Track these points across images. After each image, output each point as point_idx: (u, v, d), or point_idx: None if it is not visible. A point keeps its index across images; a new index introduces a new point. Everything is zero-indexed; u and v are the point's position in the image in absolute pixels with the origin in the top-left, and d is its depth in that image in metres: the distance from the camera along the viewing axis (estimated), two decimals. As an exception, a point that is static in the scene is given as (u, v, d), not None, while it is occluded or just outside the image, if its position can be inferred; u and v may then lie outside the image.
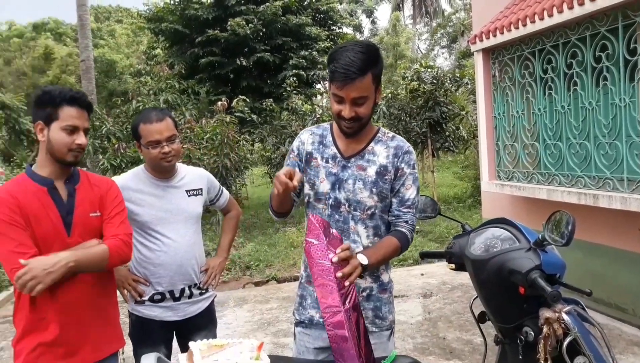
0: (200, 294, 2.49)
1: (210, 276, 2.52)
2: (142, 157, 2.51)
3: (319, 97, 16.53)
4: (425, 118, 10.94)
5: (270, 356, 1.52)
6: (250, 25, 14.46)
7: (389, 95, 11.95)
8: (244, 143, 10.01)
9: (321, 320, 1.95)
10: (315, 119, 10.65)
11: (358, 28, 35.38)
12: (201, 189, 2.53)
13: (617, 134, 4.03)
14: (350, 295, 1.62)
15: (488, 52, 5.42)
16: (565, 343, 1.53)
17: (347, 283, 1.58)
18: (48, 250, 1.86)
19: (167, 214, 2.37)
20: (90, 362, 1.99)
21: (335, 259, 1.56)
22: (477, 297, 1.92)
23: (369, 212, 1.92)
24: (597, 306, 4.56)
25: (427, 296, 5.54)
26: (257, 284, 6.67)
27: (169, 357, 2.45)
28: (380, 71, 1.85)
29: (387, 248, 1.85)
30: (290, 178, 1.71)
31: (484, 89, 5.49)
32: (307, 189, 2.01)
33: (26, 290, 1.72)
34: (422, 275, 6.39)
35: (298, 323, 2.05)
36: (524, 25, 4.66)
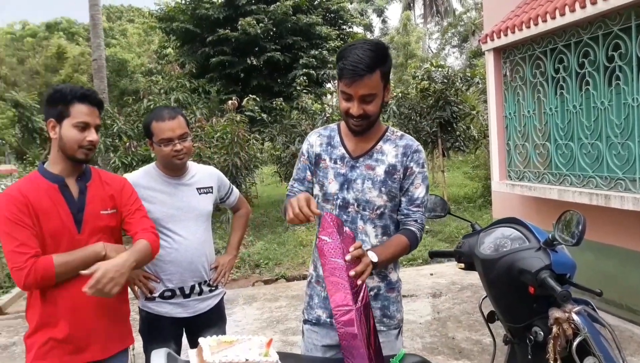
0: (210, 291, 2.50)
1: (220, 273, 2.54)
2: (153, 155, 2.52)
3: (329, 96, 16.53)
4: (436, 118, 10.89)
5: (278, 353, 1.52)
6: (260, 24, 14.51)
7: (400, 94, 11.92)
8: (254, 141, 10.03)
9: (328, 320, 1.95)
10: (325, 118, 10.65)
11: (368, 27, 35.31)
12: (212, 187, 2.54)
13: (630, 134, 3.99)
14: (361, 294, 1.62)
15: (499, 51, 5.40)
16: (575, 343, 1.53)
17: (359, 282, 1.59)
18: (57, 246, 1.88)
19: (178, 212, 2.39)
20: (100, 358, 2.01)
21: (348, 257, 1.56)
22: (486, 297, 1.91)
23: (378, 212, 1.92)
24: (608, 308, 4.52)
25: (436, 296, 5.52)
26: (266, 282, 6.69)
27: (178, 353, 2.46)
28: (389, 69, 1.85)
29: (397, 247, 1.85)
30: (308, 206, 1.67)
31: (495, 89, 5.46)
32: (316, 190, 2.01)
33: (102, 294, 1.76)
34: (432, 274, 6.37)
35: (306, 321, 2.06)
36: (536, 24, 4.63)
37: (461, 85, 11.67)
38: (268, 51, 14.94)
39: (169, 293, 2.40)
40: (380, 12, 38.21)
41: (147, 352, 2.37)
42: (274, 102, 12.51)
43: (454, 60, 35.43)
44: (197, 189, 2.48)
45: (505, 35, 5.05)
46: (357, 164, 1.94)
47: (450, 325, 4.65)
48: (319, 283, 2.00)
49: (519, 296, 1.70)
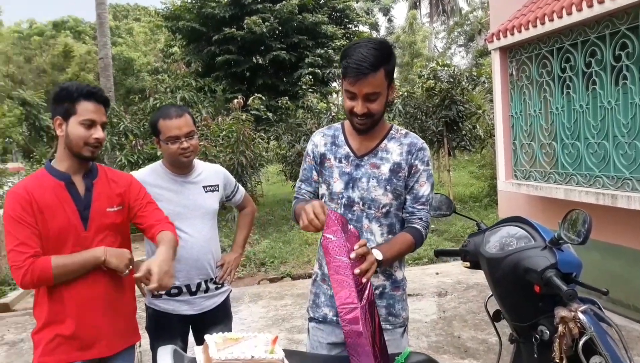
0: (216, 288, 2.51)
1: (226, 271, 2.55)
2: (159, 154, 2.54)
3: (334, 95, 16.55)
4: (442, 117, 10.87)
5: (284, 350, 1.53)
6: (266, 23, 14.52)
7: (405, 94, 11.91)
8: (260, 140, 10.06)
9: (335, 318, 1.96)
10: (331, 117, 10.66)
11: (374, 26, 35.30)
12: (218, 186, 2.55)
13: (637, 133, 3.97)
14: (366, 292, 1.62)
15: (505, 50, 5.38)
16: (581, 342, 1.52)
17: (364, 280, 1.59)
18: (63, 243, 1.90)
19: (184, 210, 2.40)
20: (107, 355, 2.02)
21: (353, 255, 1.56)
22: (492, 296, 1.91)
23: (383, 210, 1.93)
24: (614, 308, 4.50)
25: (442, 295, 5.52)
26: (271, 280, 6.70)
27: (184, 350, 2.47)
28: (393, 67, 1.85)
29: (402, 244, 1.85)
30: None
31: (501, 88, 5.45)
32: (322, 189, 2.02)
33: (162, 288, 1.82)
34: (437, 274, 6.37)
35: (312, 319, 2.06)
36: (542, 23, 4.61)
37: (467, 84, 11.64)
38: (274, 49, 14.96)
39: (176, 291, 2.41)
40: (386, 11, 38.13)
41: (154, 348, 2.39)
42: (280, 101, 12.53)
43: (460, 59, 35.38)
44: (204, 187, 2.49)
45: (512, 34, 5.03)
46: (362, 163, 1.94)
47: (456, 324, 4.64)
48: (325, 281, 2.01)
49: (524, 295, 1.70)
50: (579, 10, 4.20)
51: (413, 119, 11.45)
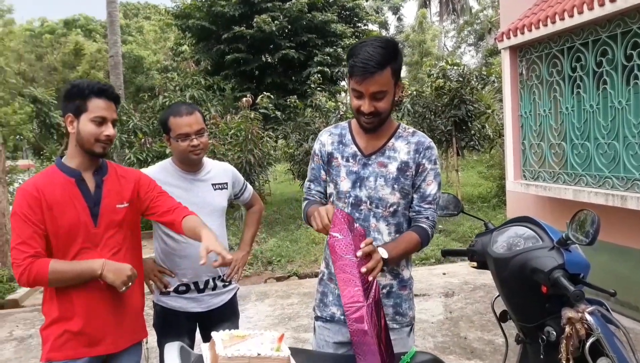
0: (224, 286, 2.52)
1: (233, 269, 2.56)
2: (167, 151, 2.55)
3: (343, 94, 16.53)
4: (451, 116, 10.82)
5: (290, 349, 1.54)
6: (275, 22, 14.54)
7: (414, 93, 11.87)
8: (268, 139, 10.08)
9: (342, 317, 1.96)
10: (339, 116, 10.65)
11: (384, 25, 35.23)
12: (226, 184, 2.56)
13: (648, 134, 3.94)
14: (372, 291, 1.63)
15: (515, 49, 5.35)
16: (588, 344, 1.52)
17: (370, 278, 1.59)
18: (73, 240, 1.91)
19: (193, 207, 2.40)
20: (114, 351, 2.04)
21: (359, 253, 1.57)
22: (498, 296, 1.91)
23: (391, 209, 1.92)
24: (623, 310, 4.47)
25: (448, 295, 5.50)
26: (278, 279, 6.71)
27: (191, 347, 2.48)
28: (400, 66, 1.85)
29: (408, 243, 1.85)
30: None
31: (511, 87, 5.42)
32: (330, 188, 2.02)
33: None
34: (444, 274, 6.35)
35: (318, 318, 2.06)
36: (553, 22, 4.58)
37: (477, 84, 11.59)
38: (283, 48, 14.98)
39: (184, 288, 2.42)
40: (395, 10, 38.04)
41: (161, 345, 2.40)
42: (288, 100, 12.54)
43: (470, 58, 35.25)
44: (213, 185, 2.50)
45: (522, 33, 5.01)
46: (369, 162, 1.94)
47: (463, 324, 4.63)
48: (332, 280, 2.01)
49: (531, 296, 1.69)
50: (591, 9, 4.17)
51: (422, 118, 11.42)
